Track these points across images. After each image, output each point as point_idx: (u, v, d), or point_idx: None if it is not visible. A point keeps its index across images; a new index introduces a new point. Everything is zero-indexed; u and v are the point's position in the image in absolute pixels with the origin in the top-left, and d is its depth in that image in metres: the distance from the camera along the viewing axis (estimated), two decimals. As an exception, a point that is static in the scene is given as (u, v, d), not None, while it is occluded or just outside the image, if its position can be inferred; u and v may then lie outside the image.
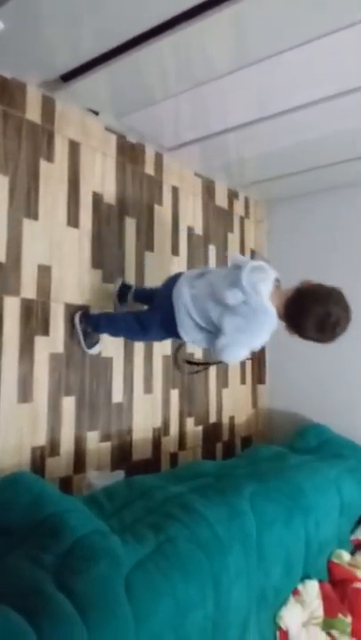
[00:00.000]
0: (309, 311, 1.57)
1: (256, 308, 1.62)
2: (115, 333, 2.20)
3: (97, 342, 2.21)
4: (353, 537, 2.20)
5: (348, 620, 1.86)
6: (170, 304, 1.82)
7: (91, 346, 2.18)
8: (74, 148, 2.20)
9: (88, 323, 2.14)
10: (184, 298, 1.79)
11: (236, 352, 1.75)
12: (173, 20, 1.59)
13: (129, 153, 2.48)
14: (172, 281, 1.90)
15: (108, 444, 2.27)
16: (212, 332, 1.78)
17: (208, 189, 3.02)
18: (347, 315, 1.60)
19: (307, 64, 1.79)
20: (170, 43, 1.67)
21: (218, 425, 3.00)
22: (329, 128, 2.29)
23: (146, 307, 2.30)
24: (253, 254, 2.07)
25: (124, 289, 2.32)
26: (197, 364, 2.61)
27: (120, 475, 2.19)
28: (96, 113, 2.23)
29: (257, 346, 1.76)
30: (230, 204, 3.21)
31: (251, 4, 1.46)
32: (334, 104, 2.04)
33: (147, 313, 2.15)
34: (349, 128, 2.27)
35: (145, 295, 2.32)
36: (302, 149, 2.54)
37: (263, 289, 1.63)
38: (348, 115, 2.15)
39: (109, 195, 2.36)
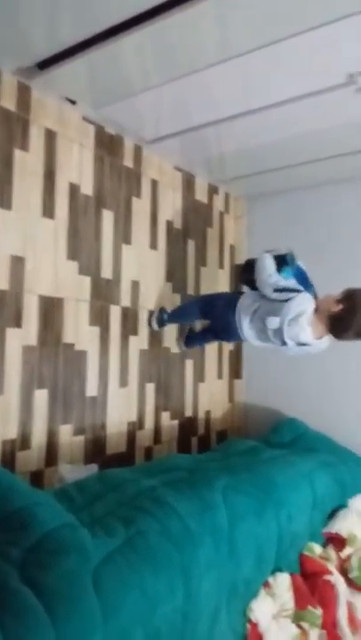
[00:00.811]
0: (351, 328, 1.92)
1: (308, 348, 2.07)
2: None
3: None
4: (325, 530, 2.22)
5: (319, 612, 1.88)
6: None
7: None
8: (50, 137, 2.17)
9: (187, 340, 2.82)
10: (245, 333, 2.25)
11: None
12: (155, 9, 1.57)
13: (107, 144, 2.46)
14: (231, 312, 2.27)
15: (81, 438, 2.25)
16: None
17: (188, 184, 3.01)
18: None
19: (288, 60, 1.79)
20: (150, 33, 1.66)
21: (193, 419, 3.00)
22: (309, 125, 2.30)
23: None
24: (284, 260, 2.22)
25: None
26: None
27: (93, 468, 2.17)
28: (73, 102, 2.20)
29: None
30: (210, 198, 3.20)
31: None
32: (315, 101, 2.05)
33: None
34: (330, 126, 2.28)
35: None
36: (283, 146, 2.55)
37: (303, 337, 2.00)
38: (329, 113, 2.16)
39: (86, 186, 2.33)
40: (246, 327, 2.21)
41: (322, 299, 2.04)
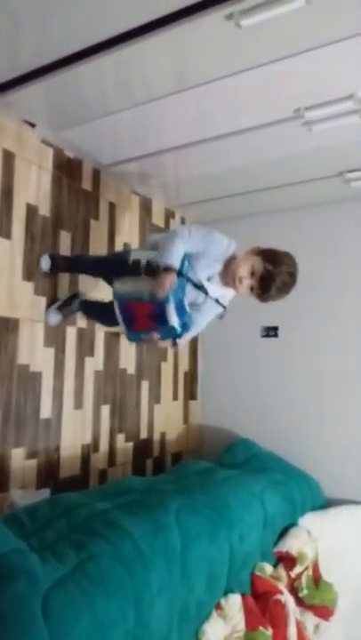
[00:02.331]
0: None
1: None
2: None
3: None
4: (276, 549, 2.25)
5: (269, 632, 1.90)
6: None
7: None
8: (8, 158, 2.17)
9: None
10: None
11: None
12: (115, 38, 1.63)
13: (66, 167, 2.48)
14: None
15: (34, 462, 2.21)
16: None
17: (145, 207, 3.06)
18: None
19: (240, 93, 1.88)
20: (109, 61, 1.71)
21: (149, 441, 3.00)
22: (261, 155, 2.41)
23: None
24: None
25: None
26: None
27: (46, 493, 2.13)
28: (33, 125, 2.22)
29: None
30: (167, 222, 3.27)
31: (190, 30, 1.53)
32: (265, 132, 2.15)
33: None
34: (281, 156, 2.40)
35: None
36: (237, 174, 2.65)
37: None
38: (279, 144, 2.27)
39: (44, 207, 2.34)
40: None
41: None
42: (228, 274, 1.88)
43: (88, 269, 2.39)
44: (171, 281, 1.72)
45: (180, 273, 1.78)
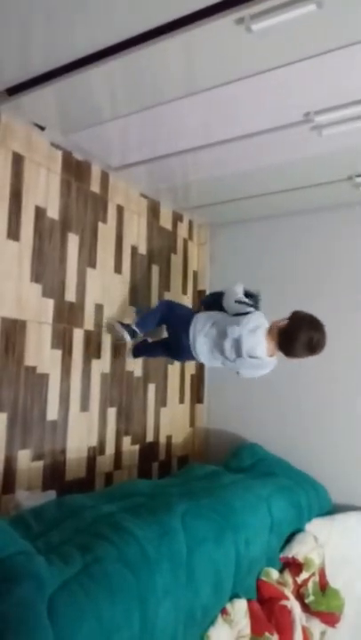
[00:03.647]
0: (298, 340, 2.12)
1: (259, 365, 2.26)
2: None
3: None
4: (282, 555, 2.24)
5: (275, 638, 1.89)
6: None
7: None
8: (17, 161, 2.18)
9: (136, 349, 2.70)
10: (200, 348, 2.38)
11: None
12: (124, 42, 1.63)
13: (74, 170, 2.49)
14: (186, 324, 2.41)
15: (40, 464, 2.21)
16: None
17: (153, 210, 3.07)
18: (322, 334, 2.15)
19: (249, 97, 1.88)
20: (119, 65, 1.71)
21: (155, 444, 2.99)
22: (270, 159, 2.40)
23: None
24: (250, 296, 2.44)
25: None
26: None
27: (51, 495, 2.13)
28: (42, 128, 2.23)
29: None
30: (175, 225, 3.27)
31: (201, 34, 1.53)
32: (275, 136, 2.15)
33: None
34: (290, 160, 2.39)
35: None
36: (246, 177, 2.64)
37: (260, 350, 2.21)
38: (288, 148, 2.26)
39: (53, 210, 2.35)
40: (201, 341, 2.34)
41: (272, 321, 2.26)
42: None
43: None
44: None
45: None
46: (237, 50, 1.61)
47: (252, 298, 2.40)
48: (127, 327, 2.57)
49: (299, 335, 2.10)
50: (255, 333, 2.19)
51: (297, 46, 1.59)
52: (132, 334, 2.59)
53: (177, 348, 2.49)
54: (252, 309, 2.28)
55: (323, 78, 1.74)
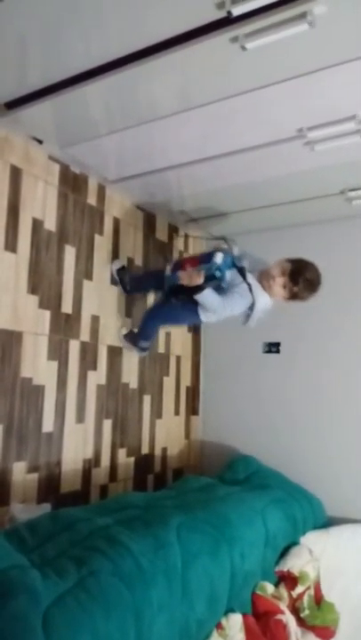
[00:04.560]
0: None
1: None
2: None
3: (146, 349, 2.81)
4: (277, 568, 2.23)
5: (270, 652, 1.88)
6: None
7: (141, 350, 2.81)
8: (15, 173, 2.20)
9: (135, 340, 2.74)
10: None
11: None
12: (121, 59, 1.67)
13: (71, 183, 2.52)
14: None
15: (35, 476, 2.20)
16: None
17: (149, 223, 3.10)
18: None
19: (243, 113, 1.91)
20: (116, 81, 1.75)
21: (150, 456, 2.98)
22: (264, 173, 2.44)
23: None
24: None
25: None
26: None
27: (46, 508, 2.12)
28: (40, 142, 2.26)
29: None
30: (170, 238, 3.30)
31: (196, 52, 1.56)
32: (268, 151, 2.19)
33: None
34: (283, 174, 2.43)
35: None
36: (240, 191, 2.68)
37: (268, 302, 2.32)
38: (282, 162, 2.30)
39: (50, 222, 2.37)
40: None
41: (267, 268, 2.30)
42: (263, 277, 2.27)
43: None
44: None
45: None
46: (232, 67, 1.65)
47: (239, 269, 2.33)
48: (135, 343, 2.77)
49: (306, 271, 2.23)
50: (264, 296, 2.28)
51: (290, 64, 1.63)
52: (143, 350, 2.83)
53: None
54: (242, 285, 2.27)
55: (315, 95, 1.77)
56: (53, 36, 1.56)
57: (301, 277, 2.19)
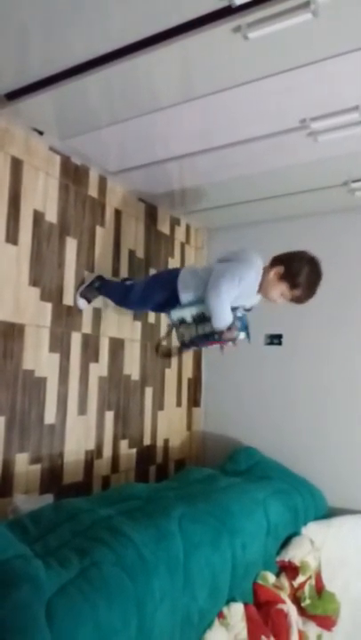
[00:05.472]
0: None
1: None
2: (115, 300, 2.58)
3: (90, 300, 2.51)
4: (278, 558, 2.25)
5: (271, 641, 1.90)
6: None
7: (85, 297, 2.48)
8: (16, 165, 2.19)
9: (100, 285, 2.51)
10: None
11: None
12: (123, 49, 1.65)
13: (73, 174, 2.50)
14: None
15: (37, 467, 2.22)
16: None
17: (151, 214, 3.08)
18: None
19: (246, 103, 1.90)
20: (117, 71, 1.73)
21: (152, 448, 3.00)
22: (267, 164, 2.42)
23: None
24: None
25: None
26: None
27: (49, 499, 2.14)
28: (41, 133, 2.24)
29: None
30: (172, 229, 3.28)
31: (198, 42, 1.54)
32: (272, 142, 2.17)
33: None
34: (286, 165, 2.41)
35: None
36: (243, 182, 2.66)
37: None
38: (285, 153, 2.29)
39: (51, 214, 2.36)
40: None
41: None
42: (262, 291, 2.21)
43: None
44: (233, 335, 2.13)
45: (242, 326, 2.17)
46: (234, 57, 1.63)
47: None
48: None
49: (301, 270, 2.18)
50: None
51: (293, 54, 1.61)
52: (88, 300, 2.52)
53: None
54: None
55: (318, 85, 1.76)
56: (54, 25, 1.54)
57: (305, 299, 2.18)
